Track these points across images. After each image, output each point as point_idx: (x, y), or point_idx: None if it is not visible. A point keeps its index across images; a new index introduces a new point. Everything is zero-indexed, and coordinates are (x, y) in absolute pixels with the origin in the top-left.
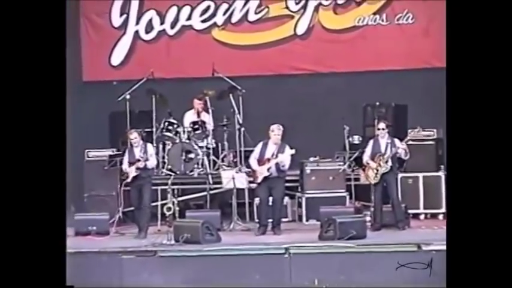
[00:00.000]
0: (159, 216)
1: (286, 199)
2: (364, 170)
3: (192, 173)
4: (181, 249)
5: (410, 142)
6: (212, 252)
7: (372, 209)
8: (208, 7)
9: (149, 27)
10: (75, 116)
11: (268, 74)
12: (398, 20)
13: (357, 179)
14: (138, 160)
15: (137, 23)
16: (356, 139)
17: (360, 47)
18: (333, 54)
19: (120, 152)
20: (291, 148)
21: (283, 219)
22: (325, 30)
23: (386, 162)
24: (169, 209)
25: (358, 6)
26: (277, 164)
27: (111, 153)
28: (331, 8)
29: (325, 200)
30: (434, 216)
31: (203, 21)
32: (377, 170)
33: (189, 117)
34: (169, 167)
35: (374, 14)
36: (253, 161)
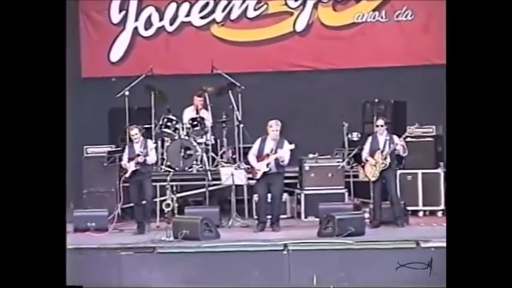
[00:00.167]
0: (158, 212)
1: (285, 196)
2: (363, 166)
3: (191, 170)
4: (180, 246)
5: (409, 139)
6: (211, 249)
7: (371, 205)
8: (207, 3)
9: (148, 24)
10: (74, 113)
11: (267, 71)
12: (397, 16)
13: (355, 176)
14: (138, 155)
15: (136, 19)
16: (355, 136)
17: (359, 44)
18: (332, 51)
19: (119, 149)
20: (291, 143)
21: (282, 216)
22: (324, 27)
23: (385, 159)
24: (168, 205)
25: (357, 3)
26: (276, 160)
27: (110, 149)
28: (330, 4)
29: (324, 197)
30: (433, 213)
31: (202, 17)
32: (376, 167)
33: (188, 113)
34: (168, 163)
35: (373, 10)
36: (251, 157)
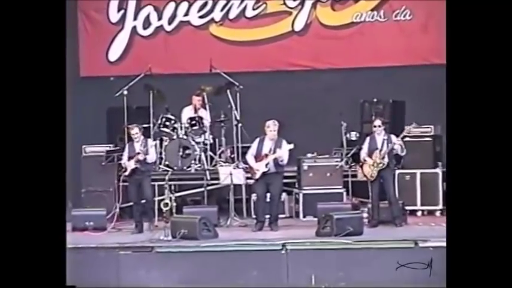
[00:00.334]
0: (156, 212)
1: (284, 195)
2: (361, 166)
3: (189, 169)
4: (178, 245)
5: (407, 139)
6: (209, 248)
7: (369, 205)
8: (205, 3)
9: (147, 23)
10: (72, 112)
11: (265, 70)
12: (396, 16)
13: (354, 176)
14: (138, 153)
15: (135, 18)
16: (353, 135)
17: (357, 44)
18: (330, 51)
19: (117, 148)
20: (289, 143)
21: (280, 215)
22: (323, 26)
23: (383, 158)
24: (166, 204)
25: (356, 2)
26: (275, 160)
27: (108, 148)
28: (328, 4)
29: (322, 196)
30: (431, 212)
31: (201, 17)
32: (374, 167)
33: (187, 113)
34: (167, 162)
35: (372, 10)
36: (250, 157)
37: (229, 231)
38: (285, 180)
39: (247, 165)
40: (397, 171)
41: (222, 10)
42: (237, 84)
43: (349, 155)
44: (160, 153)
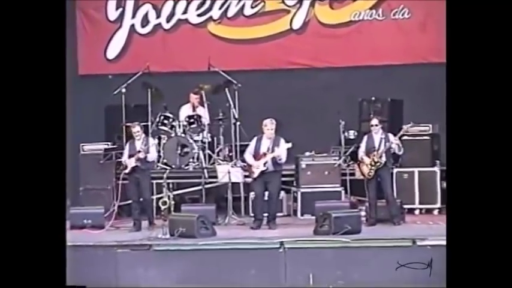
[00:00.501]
0: (154, 210)
1: (282, 194)
2: (358, 165)
3: (187, 167)
4: (176, 243)
5: (405, 137)
6: (207, 247)
7: (367, 204)
8: (204, 1)
9: (145, 21)
10: (70, 110)
11: (264, 69)
12: (394, 15)
13: (352, 174)
14: (139, 151)
15: (133, 16)
16: (352, 134)
17: (355, 42)
18: (328, 49)
19: (115, 146)
20: (287, 142)
21: (278, 214)
22: (321, 25)
23: (381, 157)
24: (164, 203)
25: (354, 1)
26: (273, 158)
27: (106, 146)
28: (327, 2)
29: (320, 195)
30: (429, 211)
31: (199, 15)
32: (371, 165)
33: (185, 111)
34: (165, 161)
35: (370, 9)
36: (248, 156)
37: (227, 229)
38: (283, 179)
39: (245, 164)
40: (395, 170)
41: (220, 8)
42: (235, 82)
43: (347, 154)
44: (159, 152)
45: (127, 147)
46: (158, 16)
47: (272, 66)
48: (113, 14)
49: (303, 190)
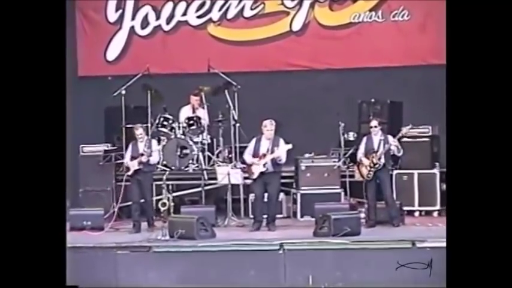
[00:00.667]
0: (154, 211)
1: (281, 195)
2: (358, 166)
3: (187, 169)
4: (175, 245)
5: (405, 139)
6: (207, 248)
7: (366, 205)
8: (203, 3)
9: (145, 23)
10: (70, 111)
11: (263, 70)
12: (394, 16)
13: (351, 176)
14: (142, 154)
15: (133, 18)
16: (351, 136)
17: (355, 44)
18: (328, 51)
19: (115, 147)
20: (287, 143)
21: (278, 216)
22: (321, 26)
23: (380, 159)
24: (164, 204)
25: (354, 2)
26: (273, 159)
27: (106, 148)
28: (326, 4)
29: (320, 197)
30: (429, 213)
31: (199, 17)
32: (370, 167)
33: (185, 112)
34: (165, 162)
35: (370, 10)
36: (247, 157)
37: (226, 231)
38: (283, 180)
39: (244, 165)
40: (395, 172)
41: (220, 10)
42: (234, 84)
43: (346, 155)
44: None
45: (129, 148)
46: (158, 18)
47: (272, 68)
48: (112, 15)
49: (302, 192)
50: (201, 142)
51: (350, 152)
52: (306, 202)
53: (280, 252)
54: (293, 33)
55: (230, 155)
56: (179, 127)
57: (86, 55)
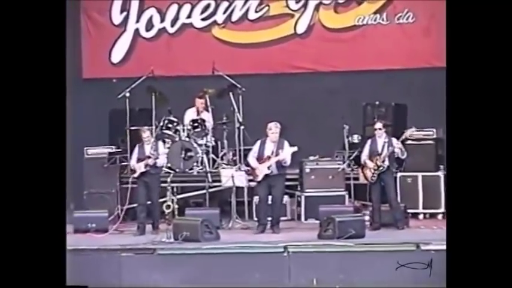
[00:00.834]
0: (158, 214)
1: (286, 198)
2: (362, 169)
3: (191, 171)
4: (180, 247)
5: (409, 142)
6: (211, 251)
7: (371, 208)
8: (208, 5)
9: (149, 25)
10: (74, 113)
11: (268, 73)
12: (398, 19)
13: (356, 178)
14: (149, 157)
15: (137, 20)
16: (355, 138)
17: (360, 46)
18: (333, 53)
19: (119, 150)
20: (292, 145)
21: (282, 218)
22: (326, 29)
23: (384, 161)
24: (168, 206)
25: (359, 5)
26: (277, 162)
27: (110, 150)
28: (331, 7)
29: (324, 199)
30: (433, 216)
31: (203, 19)
32: (374, 170)
33: (190, 115)
34: (169, 164)
35: (374, 13)
36: (252, 159)
37: (231, 233)
38: (287, 183)
39: (249, 168)
40: (399, 174)
41: (224, 12)
42: (239, 86)
43: (351, 158)
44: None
45: (135, 151)
46: (162, 20)
47: (276, 70)
48: (117, 17)
49: (307, 194)
50: (206, 144)
51: (354, 154)
52: (311, 204)
53: (285, 254)
54: (297, 36)
55: (234, 158)
56: (184, 129)
57: (90, 57)
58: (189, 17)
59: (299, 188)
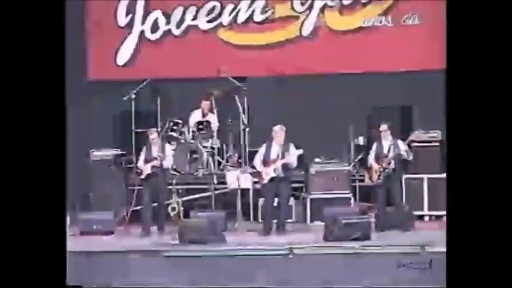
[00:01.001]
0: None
1: (291, 200)
2: (368, 171)
3: (196, 173)
4: (186, 249)
5: (415, 144)
6: (217, 253)
7: (376, 210)
8: (214, 7)
9: (155, 27)
10: (80, 115)
11: (273, 75)
12: (404, 21)
13: (361, 180)
14: (156, 158)
15: (143, 22)
16: (361, 140)
17: (366, 48)
18: (338, 55)
19: (125, 152)
20: (297, 148)
21: (288, 220)
22: (331, 31)
23: (389, 163)
24: (173, 209)
25: (364, 7)
26: (283, 164)
27: (116, 152)
28: (337, 9)
29: (329, 201)
30: (438, 218)
31: (209, 21)
32: (380, 172)
33: (195, 117)
34: (174, 166)
35: (380, 15)
36: (258, 162)
37: (236, 235)
38: (293, 185)
39: (254, 170)
40: (405, 176)
41: (230, 14)
42: (245, 88)
43: (356, 160)
44: None
45: (143, 152)
46: (168, 22)
47: (282, 72)
48: (122, 20)
49: (312, 196)
50: (211, 147)
51: (360, 156)
52: (316, 207)
53: (290, 256)
54: (303, 38)
55: (240, 160)
56: (189, 132)
57: (96, 59)
58: (194, 19)
59: (304, 190)
